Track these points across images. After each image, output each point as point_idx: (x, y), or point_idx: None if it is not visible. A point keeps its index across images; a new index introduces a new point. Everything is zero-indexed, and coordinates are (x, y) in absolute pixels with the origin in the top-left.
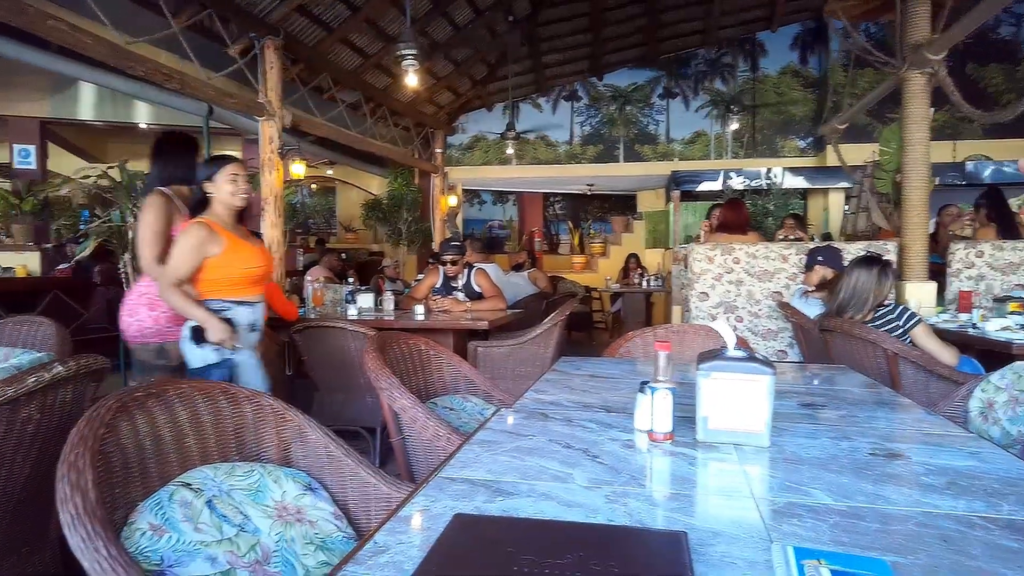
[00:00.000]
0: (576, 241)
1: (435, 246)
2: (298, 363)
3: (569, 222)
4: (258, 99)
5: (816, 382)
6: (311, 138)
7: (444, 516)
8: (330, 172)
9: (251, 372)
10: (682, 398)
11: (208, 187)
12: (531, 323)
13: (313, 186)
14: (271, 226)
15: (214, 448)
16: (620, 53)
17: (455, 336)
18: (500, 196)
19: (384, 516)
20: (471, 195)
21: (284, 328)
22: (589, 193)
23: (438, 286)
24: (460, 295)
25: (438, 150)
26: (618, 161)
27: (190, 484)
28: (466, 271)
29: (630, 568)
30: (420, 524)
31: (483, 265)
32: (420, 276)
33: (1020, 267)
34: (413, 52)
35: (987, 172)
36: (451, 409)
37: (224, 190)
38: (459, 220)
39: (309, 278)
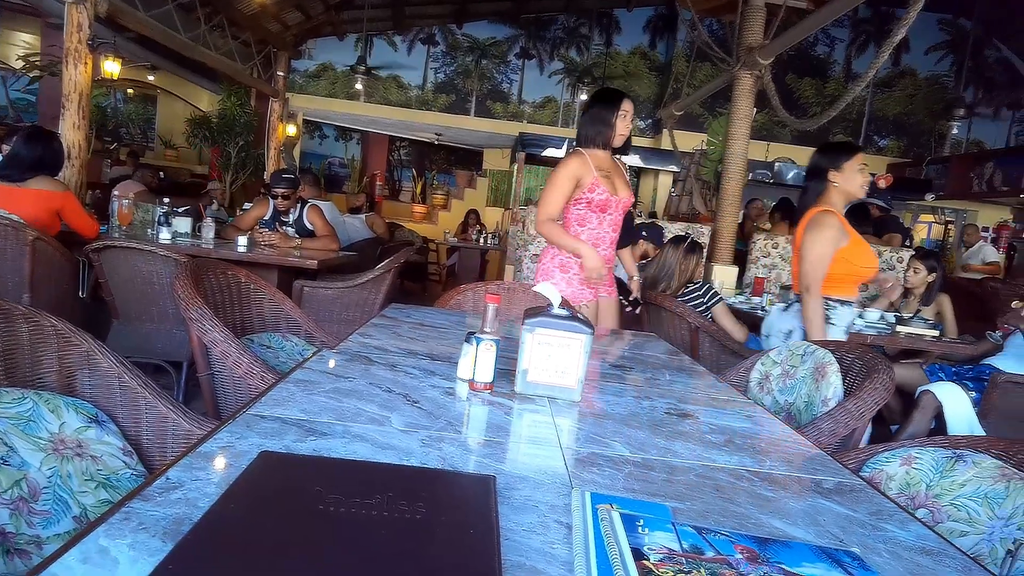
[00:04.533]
0: (419, 190)
1: (267, 176)
2: (95, 286)
3: (414, 169)
4: None
5: (627, 347)
6: (131, 34)
7: (249, 454)
8: (151, 78)
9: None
10: (505, 351)
11: (834, 176)
12: (364, 268)
13: (130, 91)
14: (72, 127)
15: None
16: (485, 4)
17: (280, 273)
18: (344, 132)
19: (181, 452)
20: (313, 127)
21: (79, 245)
22: (436, 143)
23: (266, 219)
24: (290, 231)
25: (280, 73)
26: (469, 114)
27: None
28: (299, 206)
29: (437, 509)
30: (222, 461)
31: (318, 202)
32: (248, 205)
33: None
34: None
35: (791, 174)
36: (268, 347)
37: (855, 182)
38: (296, 152)
39: (116, 193)
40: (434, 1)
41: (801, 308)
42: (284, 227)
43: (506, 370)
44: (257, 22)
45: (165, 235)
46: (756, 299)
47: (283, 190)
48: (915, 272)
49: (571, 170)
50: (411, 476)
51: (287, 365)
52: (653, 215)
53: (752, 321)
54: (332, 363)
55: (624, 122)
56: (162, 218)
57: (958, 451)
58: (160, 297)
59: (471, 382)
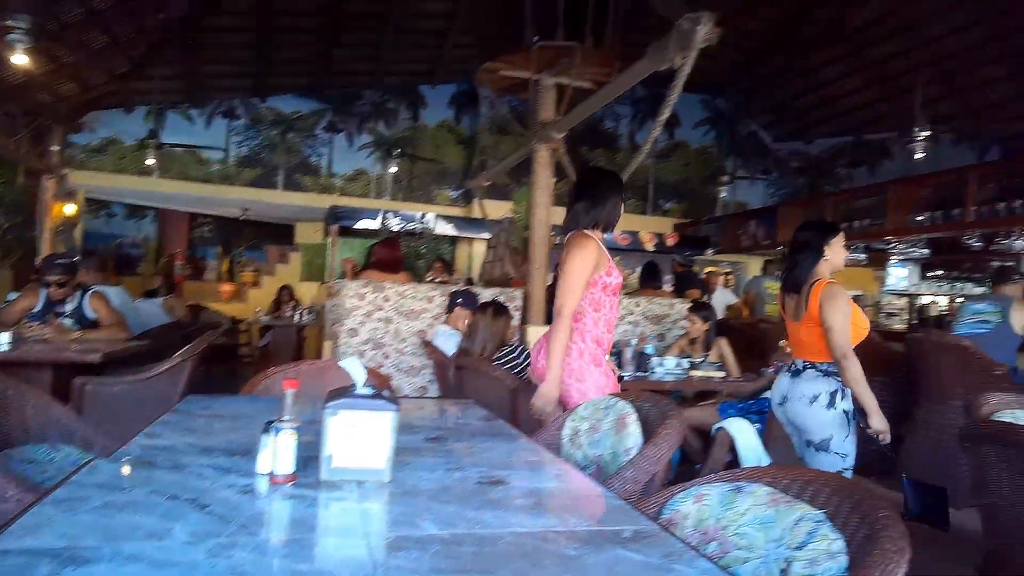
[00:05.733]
0: (225, 268)
1: (39, 262)
2: None
3: (219, 247)
4: None
5: (442, 417)
6: None
7: None
8: None
9: None
10: (316, 436)
11: (826, 251)
12: (164, 357)
13: None
14: None
15: None
16: (288, 78)
17: (54, 372)
18: (136, 210)
19: None
20: (98, 205)
21: None
22: (243, 218)
23: (37, 310)
24: (68, 322)
25: (55, 147)
26: (276, 188)
27: None
28: (78, 294)
29: None
30: None
31: (102, 288)
32: (13, 295)
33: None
34: (25, 27)
35: None
36: (32, 462)
37: (841, 256)
38: (78, 233)
39: None
40: (233, 74)
41: (842, 373)
42: (60, 318)
43: (313, 457)
44: (25, 92)
45: None
46: None
47: (56, 277)
48: (692, 323)
49: (592, 256)
50: None
51: (55, 481)
52: (470, 281)
53: None
54: (106, 471)
55: None
56: None
57: (738, 483)
58: None
59: (271, 476)
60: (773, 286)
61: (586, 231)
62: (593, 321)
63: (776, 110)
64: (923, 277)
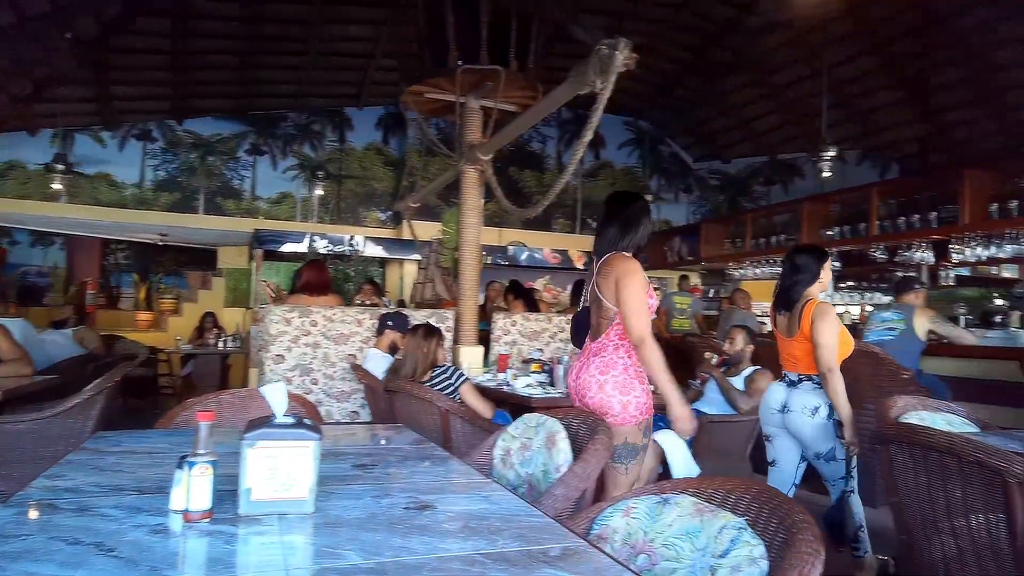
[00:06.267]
0: (143, 296)
1: None
2: None
3: (135, 274)
4: None
5: (373, 441)
6: None
7: None
8: None
9: None
10: (237, 469)
11: (821, 274)
12: (74, 392)
13: None
14: None
15: None
16: (207, 100)
17: None
18: (43, 237)
19: None
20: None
21: None
22: (162, 243)
23: None
24: None
25: None
26: (197, 212)
27: None
28: None
29: None
30: None
31: (2, 320)
32: None
33: (540, 335)
34: None
35: (524, 255)
36: None
37: (828, 277)
38: None
39: None
40: (149, 96)
41: (825, 386)
42: None
43: (232, 491)
44: None
45: None
46: (501, 375)
47: None
48: None
49: (645, 277)
50: None
51: None
52: (401, 303)
53: (499, 397)
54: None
55: None
56: None
57: (664, 495)
58: None
59: (185, 513)
60: (682, 301)
61: (626, 254)
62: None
63: (694, 131)
64: (836, 288)
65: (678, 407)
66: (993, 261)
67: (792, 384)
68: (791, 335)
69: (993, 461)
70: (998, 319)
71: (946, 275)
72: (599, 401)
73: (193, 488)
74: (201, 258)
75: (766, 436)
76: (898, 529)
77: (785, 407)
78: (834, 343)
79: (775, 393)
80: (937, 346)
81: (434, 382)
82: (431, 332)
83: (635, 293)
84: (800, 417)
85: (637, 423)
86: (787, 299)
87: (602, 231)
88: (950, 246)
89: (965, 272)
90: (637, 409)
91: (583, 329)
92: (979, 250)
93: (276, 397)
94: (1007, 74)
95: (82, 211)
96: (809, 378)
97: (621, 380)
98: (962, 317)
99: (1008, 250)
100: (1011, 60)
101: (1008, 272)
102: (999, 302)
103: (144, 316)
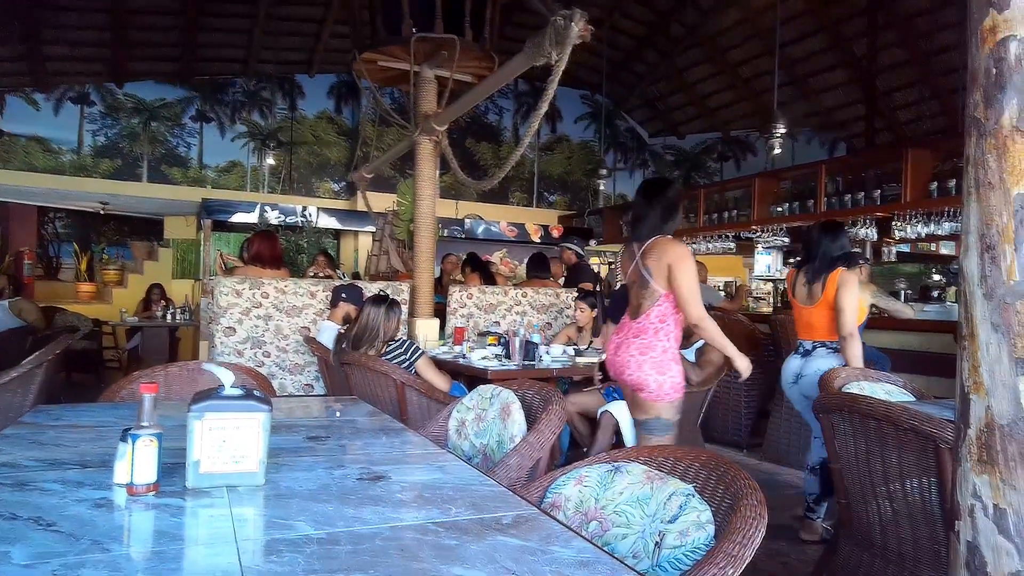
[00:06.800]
0: (84, 267)
1: None
2: None
3: (76, 244)
4: None
5: (327, 414)
6: None
7: None
8: None
9: None
10: (181, 443)
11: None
12: (11, 365)
13: None
14: None
15: None
16: (149, 63)
17: None
18: None
19: None
20: None
21: None
22: (103, 213)
23: None
24: None
25: None
26: (141, 180)
27: None
28: None
29: None
30: None
31: None
32: None
33: (497, 308)
34: None
35: (480, 229)
36: None
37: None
38: None
39: None
40: (84, 57)
41: (842, 349)
42: None
43: (179, 464)
44: None
45: None
46: (457, 347)
47: None
48: (581, 311)
49: (695, 261)
50: None
51: None
52: (356, 275)
53: (455, 369)
54: None
55: None
56: None
57: (616, 463)
58: None
59: (130, 486)
60: None
61: (672, 238)
62: (676, 323)
63: (650, 107)
64: (785, 263)
65: (741, 361)
66: (932, 238)
67: (806, 353)
68: (812, 303)
69: (927, 428)
70: (936, 294)
71: (888, 251)
72: (636, 379)
73: (137, 461)
74: (147, 228)
75: (799, 411)
76: (838, 493)
77: (799, 376)
78: (855, 309)
79: (790, 365)
80: (878, 319)
81: (390, 355)
82: (394, 305)
83: (692, 277)
84: (813, 379)
85: (670, 400)
86: (814, 269)
87: (642, 216)
88: (893, 223)
89: (906, 249)
90: (672, 388)
91: (622, 306)
92: (920, 227)
93: (221, 372)
94: (949, 56)
95: (15, 177)
96: (823, 344)
97: (659, 361)
98: (903, 292)
99: (946, 228)
100: (953, 42)
101: (945, 249)
102: (936, 277)
103: (86, 288)
